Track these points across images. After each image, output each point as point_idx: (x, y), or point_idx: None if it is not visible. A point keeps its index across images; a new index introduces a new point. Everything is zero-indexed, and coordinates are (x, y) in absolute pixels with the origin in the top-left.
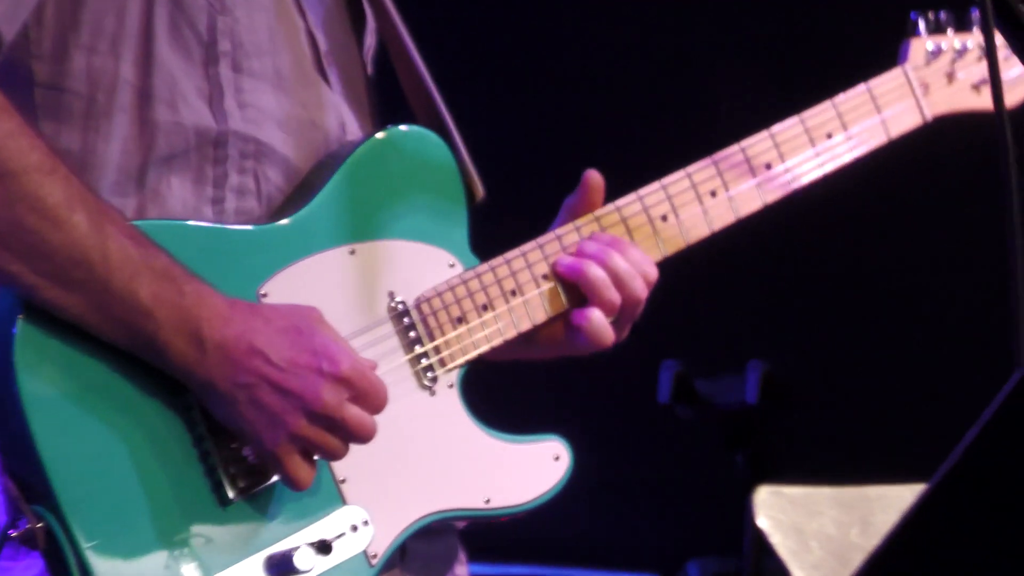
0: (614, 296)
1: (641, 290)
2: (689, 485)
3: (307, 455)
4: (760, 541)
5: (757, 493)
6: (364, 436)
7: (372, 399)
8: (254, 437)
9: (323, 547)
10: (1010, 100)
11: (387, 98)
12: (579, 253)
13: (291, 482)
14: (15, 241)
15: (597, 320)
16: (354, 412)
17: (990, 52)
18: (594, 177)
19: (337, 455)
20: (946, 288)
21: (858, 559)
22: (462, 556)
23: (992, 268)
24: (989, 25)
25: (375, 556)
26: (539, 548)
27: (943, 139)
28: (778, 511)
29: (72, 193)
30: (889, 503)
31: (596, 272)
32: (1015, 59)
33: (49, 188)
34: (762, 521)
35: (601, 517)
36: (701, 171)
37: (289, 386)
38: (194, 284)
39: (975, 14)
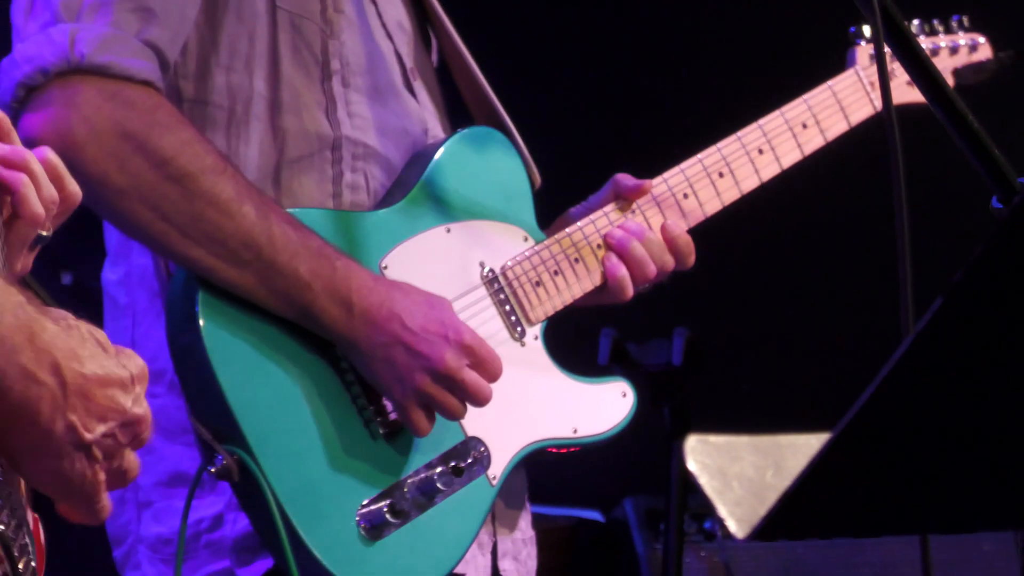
0: (650, 271)
1: (669, 262)
2: (624, 434)
3: (428, 409)
4: (685, 481)
5: (687, 441)
6: (481, 399)
7: (489, 367)
8: (386, 389)
9: (457, 471)
10: (913, 97)
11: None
12: (624, 229)
13: (413, 427)
14: (196, 231)
15: (623, 284)
16: (472, 376)
17: (879, 57)
18: (647, 188)
19: (455, 414)
20: (841, 268)
21: (773, 497)
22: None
23: (883, 247)
24: (879, 37)
25: (494, 477)
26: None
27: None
28: (704, 456)
29: (240, 188)
30: (798, 449)
31: (639, 251)
32: (936, 61)
33: (222, 185)
34: (691, 464)
35: (551, 462)
36: (711, 156)
37: (419, 348)
38: (343, 260)
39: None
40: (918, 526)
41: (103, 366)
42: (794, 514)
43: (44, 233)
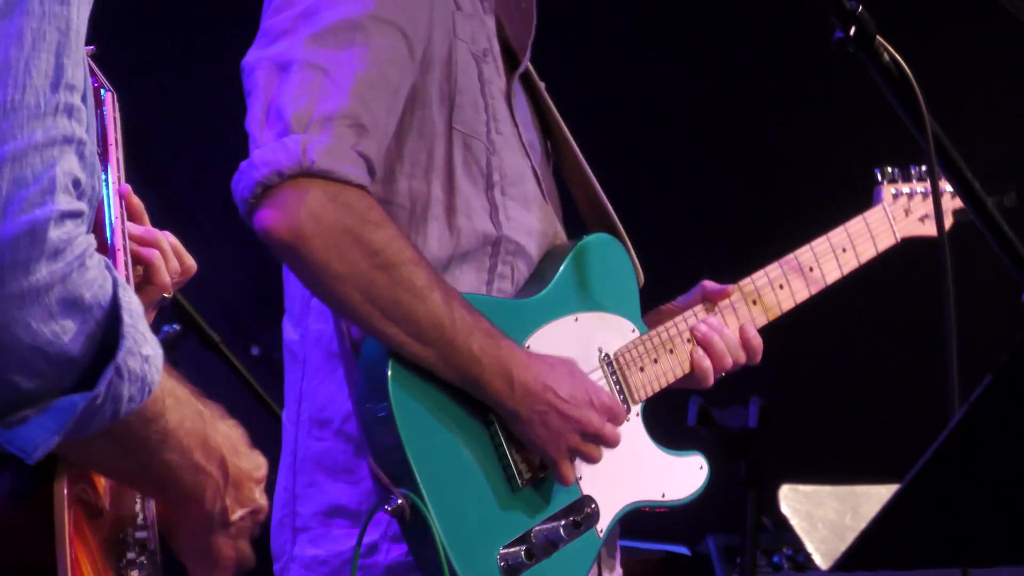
0: (727, 363)
1: (742, 357)
2: (709, 483)
3: (574, 462)
4: (758, 522)
5: (783, 491)
6: (615, 444)
7: (619, 417)
8: (542, 448)
9: (576, 524)
10: (924, 231)
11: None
12: (708, 325)
13: (562, 479)
14: (395, 312)
15: (707, 373)
16: (610, 428)
17: (935, 195)
18: (730, 292)
19: (597, 460)
20: (899, 350)
21: (851, 536)
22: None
23: (934, 333)
24: (934, 174)
25: (601, 530)
26: None
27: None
28: (795, 502)
29: (430, 277)
30: (871, 498)
31: (719, 345)
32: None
33: (418, 275)
34: (784, 508)
35: None
36: (774, 270)
37: (571, 414)
38: (506, 340)
39: (913, 169)
40: (965, 560)
41: (252, 462)
42: (868, 550)
43: (167, 295)
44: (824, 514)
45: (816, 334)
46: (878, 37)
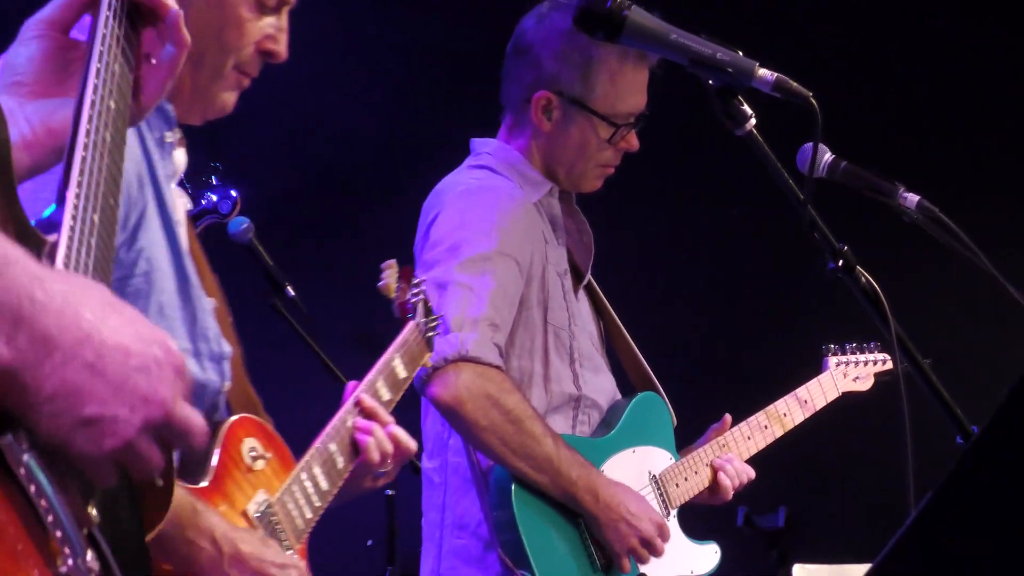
0: (730, 492)
1: (741, 486)
2: (751, 564)
3: (630, 559)
4: None
5: (795, 569)
6: (660, 554)
7: (667, 535)
8: (611, 545)
9: None
10: (864, 386)
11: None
12: (722, 459)
13: (621, 567)
14: (520, 452)
15: (723, 496)
16: (661, 543)
17: (897, 371)
18: (726, 424)
19: (646, 561)
20: (877, 468)
21: None
22: None
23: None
24: (896, 359)
25: None
26: None
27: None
28: None
29: (543, 426)
30: (858, 573)
31: (731, 474)
32: (865, 368)
33: (536, 425)
34: None
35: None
36: (761, 416)
37: (634, 523)
38: (594, 470)
39: (847, 346)
40: None
41: (258, 550)
42: None
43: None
44: None
45: (822, 463)
46: (858, 267)
